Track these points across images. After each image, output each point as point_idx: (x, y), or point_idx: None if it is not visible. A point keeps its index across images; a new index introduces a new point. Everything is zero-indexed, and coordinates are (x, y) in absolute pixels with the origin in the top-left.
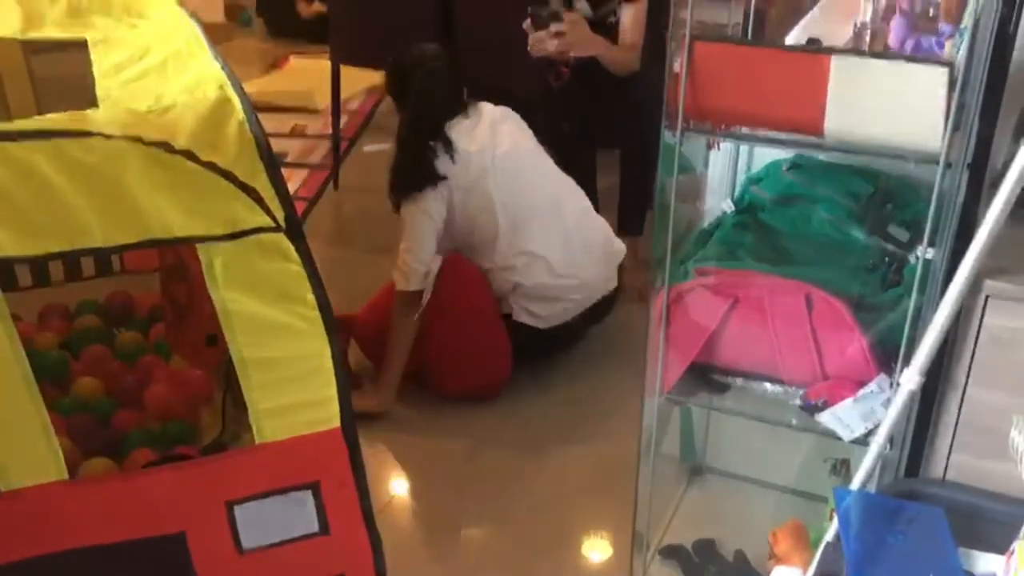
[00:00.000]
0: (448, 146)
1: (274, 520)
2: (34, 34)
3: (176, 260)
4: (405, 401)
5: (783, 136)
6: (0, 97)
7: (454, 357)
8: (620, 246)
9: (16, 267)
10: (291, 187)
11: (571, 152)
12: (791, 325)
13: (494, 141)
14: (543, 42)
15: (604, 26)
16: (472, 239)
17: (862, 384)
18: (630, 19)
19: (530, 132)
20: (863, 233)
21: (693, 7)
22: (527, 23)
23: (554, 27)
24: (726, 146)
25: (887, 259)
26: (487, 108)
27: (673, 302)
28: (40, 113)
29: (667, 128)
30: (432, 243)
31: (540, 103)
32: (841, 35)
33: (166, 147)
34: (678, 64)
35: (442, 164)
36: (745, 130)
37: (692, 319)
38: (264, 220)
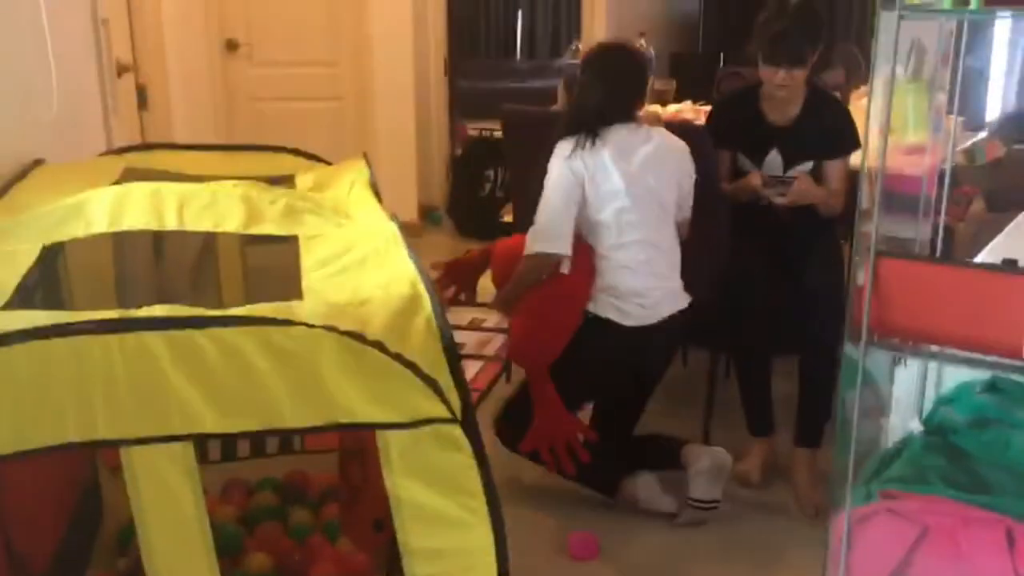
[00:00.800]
0: (594, 139)
1: None
2: (254, 229)
3: (355, 443)
4: None
5: (977, 356)
6: (215, 285)
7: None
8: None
9: (208, 442)
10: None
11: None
12: (990, 562)
13: (639, 163)
14: (771, 195)
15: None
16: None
17: None
18: (838, 169)
19: (677, 183)
20: None
21: (879, 221)
22: (758, 181)
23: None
24: (913, 363)
25: None
26: (661, 133)
27: (855, 525)
28: (248, 300)
29: (850, 341)
30: (563, 210)
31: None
32: None
33: (359, 338)
34: (862, 277)
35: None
36: (935, 348)
37: (875, 546)
38: (442, 411)
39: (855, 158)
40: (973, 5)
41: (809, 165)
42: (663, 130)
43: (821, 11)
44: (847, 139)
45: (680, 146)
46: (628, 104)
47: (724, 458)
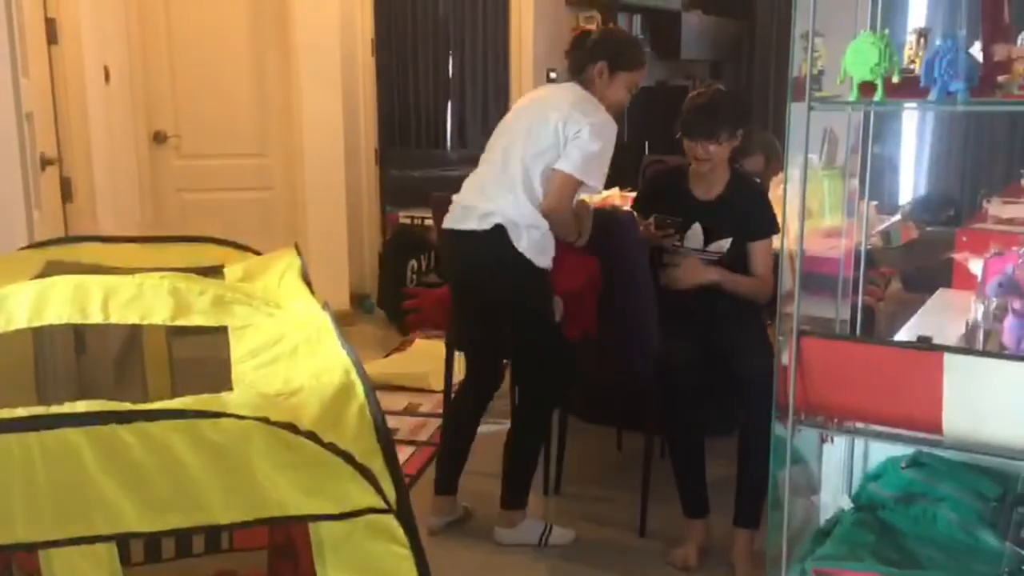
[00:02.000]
0: None
1: None
2: (181, 321)
3: (285, 539)
4: None
5: (899, 432)
6: (141, 378)
7: None
8: None
9: (131, 542)
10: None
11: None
12: None
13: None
14: (656, 239)
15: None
16: None
17: None
18: (760, 254)
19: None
20: (995, 538)
21: (800, 302)
22: (651, 223)
23: (667, 259)
24: (840, 440)
25: (1023, 567)
26: (561, 90)
27: None
28: (175, 393)
29: (778, 420)
30: None
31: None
32: (953, 333)
33: (291, 428)
34: (786, 357)
35: None
36: (860, 425)
37: None
38: (376, 501)
39: (772, 242)
40: (877, 97)
41: (728, 242)
42: (565, 88)
43: (742, 99)
44: (766, 222)
45: (556, 103)
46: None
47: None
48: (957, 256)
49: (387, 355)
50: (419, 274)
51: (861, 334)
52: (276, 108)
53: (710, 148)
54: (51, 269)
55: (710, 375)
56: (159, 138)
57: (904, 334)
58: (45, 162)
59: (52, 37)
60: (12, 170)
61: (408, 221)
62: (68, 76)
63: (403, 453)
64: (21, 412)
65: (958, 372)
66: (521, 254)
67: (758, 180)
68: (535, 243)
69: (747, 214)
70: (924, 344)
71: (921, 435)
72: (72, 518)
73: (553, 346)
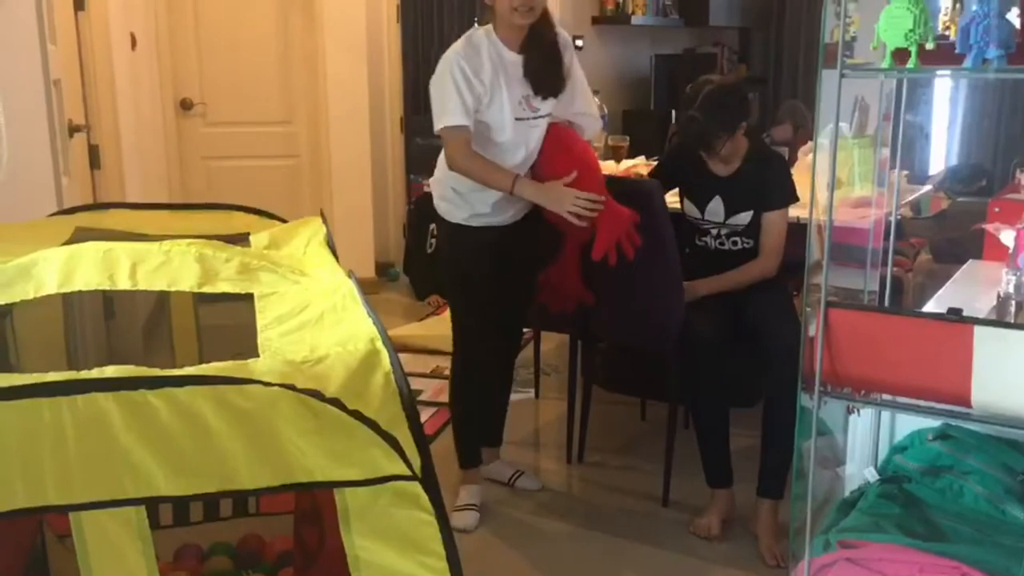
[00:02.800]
0: None
1: None
2: (208, 288)
3: (311, 504)
4: None
5: (927, 404)
6: (169, 344)
7: None
8: None
9: (160, 506)
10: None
11: (707, 411)
12: None
13: None
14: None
15: (731, 253)
16: None
17: None
18: (770, 224)
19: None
20: (1023, 511)
21: (828, 272)
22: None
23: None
24: (867, 412)
25: None
26: None
27: (815, 575)
28: (203, 359)
29: (804, 391)
30: None
31: (672, 356)
32: (983, 305)
33: (317, 395)
34: (813, 328)
35: None
36: (886, 397)
37: None
38: (401, 468)
39: (800, 211)
40: (911, 64)
41: (749, 214)
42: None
43: (737, 91)
44: (783, 192)
45: None
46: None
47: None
48: (988, 227)
49: (422, 319)
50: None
51: (890, 305)
52: (301, 76)
53: (710, 153)
54: (80, 235)
55: (735, 345)
56: (185, 105)
57: (933, 306)
58: (73, 129)
59: (79, 3)
60: (41, 137)
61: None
62: (95, 43)
63: (424, 414)
64: (52, 377)
65: (988, 344)
66: (435, 210)
67: (786, 150)
68: (443, 198)
69: (764, 185)
70: (954, 316)
71: (949, 408)
72: (102, 482)
73: (458, 302)
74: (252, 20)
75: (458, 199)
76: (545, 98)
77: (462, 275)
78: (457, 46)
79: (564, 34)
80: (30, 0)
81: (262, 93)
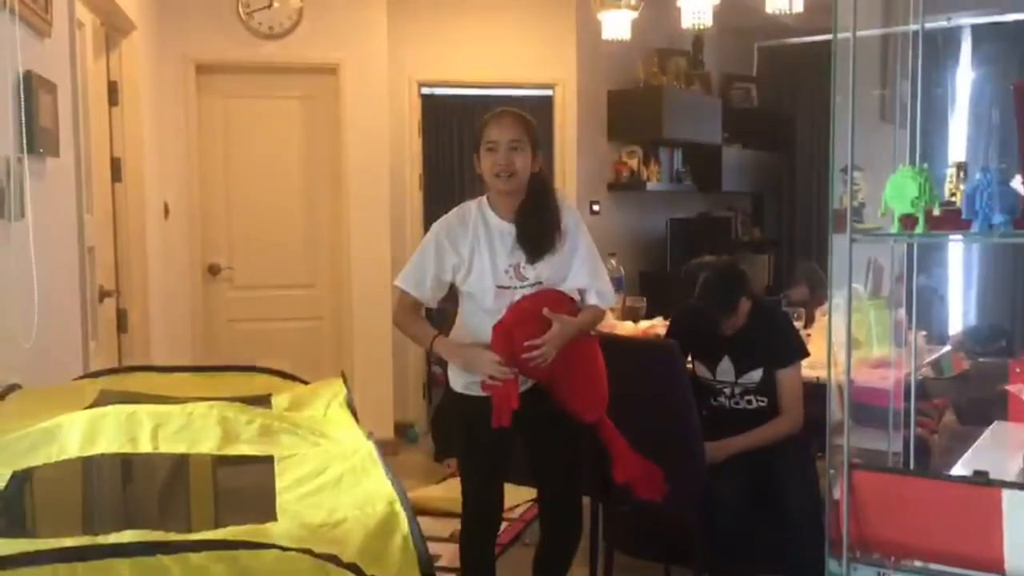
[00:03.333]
0: None
1: None
2: (228, 451)
3: None
4: None
5: (960, 572)
6: (185, 507)
7: None
8: None
9: None
10: None
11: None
12: None
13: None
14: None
15: (747, 412)
16: None
17: None
18: (786, 381)
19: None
20: None
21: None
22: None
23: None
24: None
25: None
26: None
27: None
28: (220, 523)
29: (832, 556)
30: None
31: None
32: (1011, 467)
33: (334, 560)
34: (838, 491)
35: None
36: (918, 563)
37: None
38: None
39: (819, 371)
40: (919, 229)
41: (759, 372)
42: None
43: (731, 273)
44: (790, 349)
45: None
46: None
47: None
48: (1011, 388)
49: (440, 481)
50: None
51: (915, 467)
52: (326, 241)
53: (722, 327)
54: (104, 398)
55: (758, 511)
56: (213, 270)
57: (960, 468)
58: (103, 294)
59: (117, 175)
60: (72, 302)
61: None
62: (130, 212)
63: None
64: (68, 542)
65: (1018, 509)
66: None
67: (802, 311)
68: (450, 366)
69: (771, 343)
70: (981, 479)
71: (983, 575)
72: None
73: (461, 466)
74: (280, 188)
75: (456, 368)
76: (534, 262)
77: (464, 441)
78: (447, 216)
79: (570, 205)
80: (71, 173)
81: (288, 257)
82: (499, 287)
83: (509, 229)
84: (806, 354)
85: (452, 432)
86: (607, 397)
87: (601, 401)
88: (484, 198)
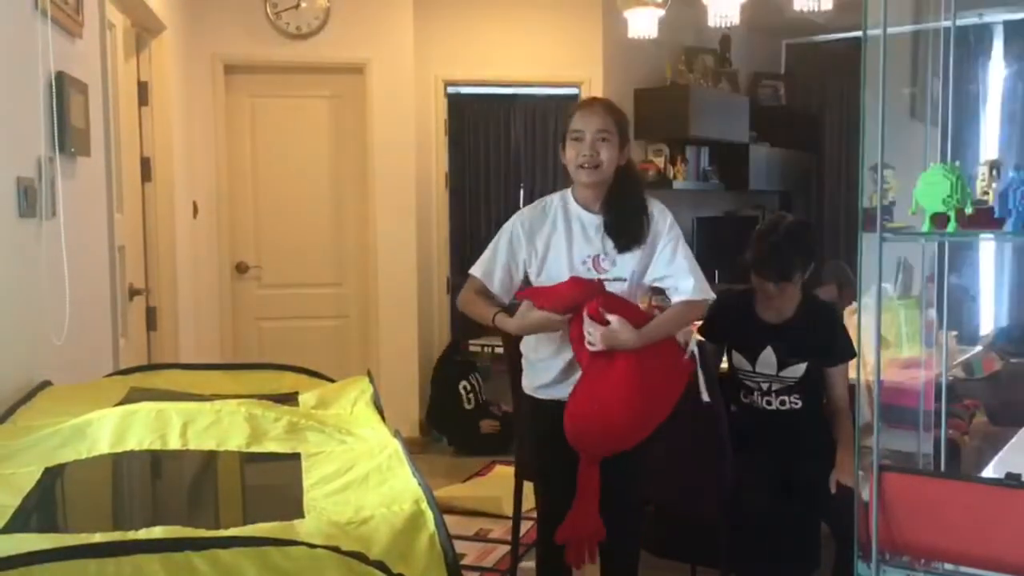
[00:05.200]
0: None
1: None
2: (256, 448)
3: None
4: None
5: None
6: (214, 504)
7: None
8: None
9: None
10: None
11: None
12: None
13: None
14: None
15: (779, 413)
16: None
17: None
18: (841, 379)
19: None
20: None
21: (879, 435)
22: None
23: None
24: None
25: None
26: None
27: None
28: (248, 520)
29: (861, 559)
30: None
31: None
32: None
33: (361, 557)
34: (867, 493)
35: None
36: (948, 566)
37: None
38: None
39: (849, 371)
40: (950, 228)
41: (803, 366)
42: None
43: (812, 230)
44: (844, 346)
45: None
46: None
47: None
48: None
49: (466, 479)
50: (475, 394)
51: (947, 469)
52: (353, 240)
53: (783, 286)
54: (134, 395)
55: (786, 513)
56: (241, 268)
57: (992, 470)
58: (133, 292)
59: (146, 175)
60: (103, 300)
61: (478, 349)
62: (159, 211)
63: None
64: (99, 538)
65: None
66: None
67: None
68: (522, 369)
69: (823, 339)
70: (1013, 482)
71: None
72: None
73: (535, 485)
74: (307, 187)
75: (528, 367)
76: (622, 252)
77: (538, 453)
78: (528, 207)
79: (657, 202)
80: (101, 172)
81: (314, 256)
82: (575, 279)
83: (592, 220)
84: (855, 353)
85: (525, 442)
86: (652, 426)
87: (643, 428)
88: (568, 190)
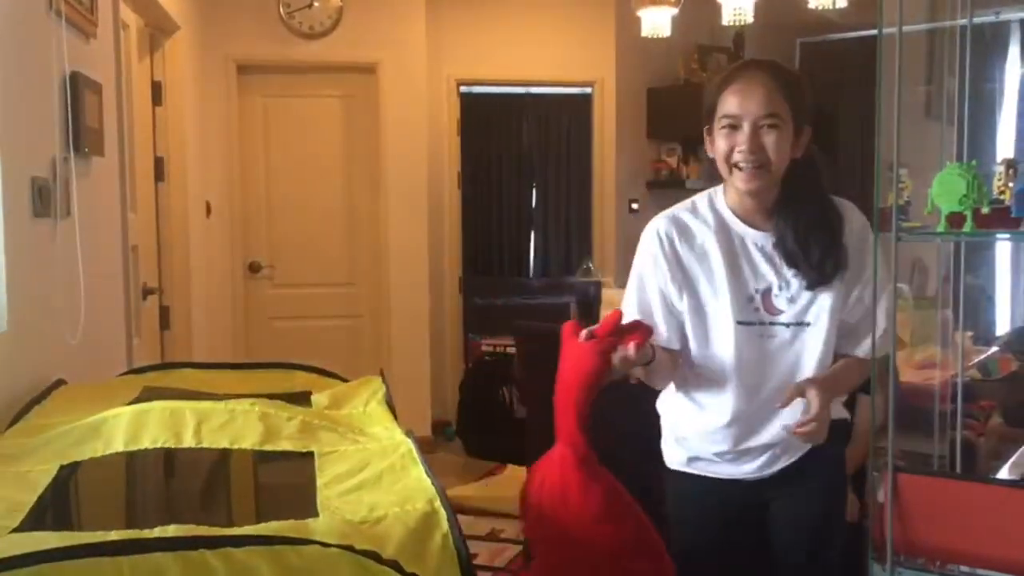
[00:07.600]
0: None
1: None
2: (269, 447)
3: None
4: None
5: None
6: (227, 503)
7: None
8: None
9: None
10: None
11: None
12: None
13: None
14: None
15: None
16: None
17: None
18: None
19: None
20: None
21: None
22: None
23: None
24: None
25: None
26: None
27: None
28: (261, 518)
29: (875, 560)
30: None
31: None
32: None
33: (375, 557)
34: (881, 494)
35: None
36: (964, 568)
37: None
38: None
39: None
40: (967, 228)
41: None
42: None
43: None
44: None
45: None
46: None
47: None
48: None
49: (478, 479)
50: (509, 403)
51: (962, 471)
52: (365, 239)
53: None
54: (147, 394)
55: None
56: (254, 268)
57: (1007, 472)
58: (147, 292)
59: (160, 175)
60: (116, 299)
61: (490, 348)
62: (173, 211)
63: None
64: (113, 536)
65: None
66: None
67: None
68: (664, 435)
69: None
70: None
71: None
72: None
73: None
74: (320, 187)
75: (671, 433)
76: (813, 288)
77: (682, 541)
78: (667, 213)
79: (850, 205)
80: (115, 172)
81: (327, 256)
82: (740, 323)
83: (758, 237)
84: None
85: (667, 522)
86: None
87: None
88: (718, 190)
